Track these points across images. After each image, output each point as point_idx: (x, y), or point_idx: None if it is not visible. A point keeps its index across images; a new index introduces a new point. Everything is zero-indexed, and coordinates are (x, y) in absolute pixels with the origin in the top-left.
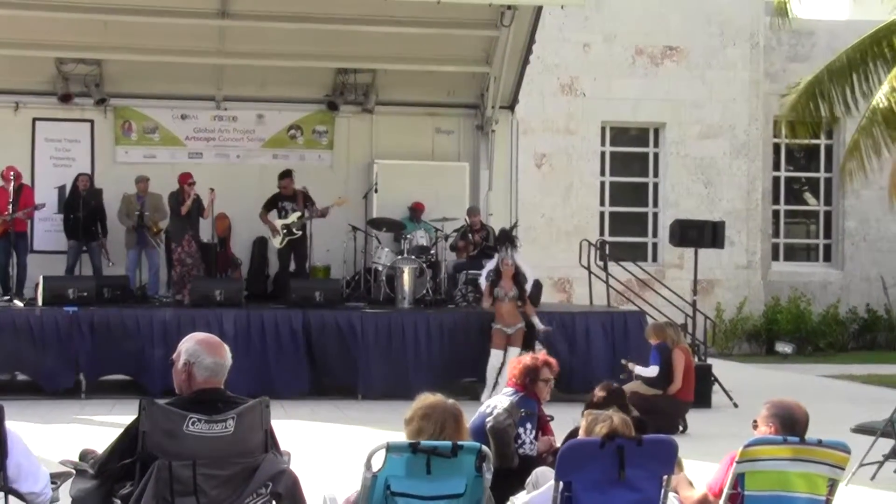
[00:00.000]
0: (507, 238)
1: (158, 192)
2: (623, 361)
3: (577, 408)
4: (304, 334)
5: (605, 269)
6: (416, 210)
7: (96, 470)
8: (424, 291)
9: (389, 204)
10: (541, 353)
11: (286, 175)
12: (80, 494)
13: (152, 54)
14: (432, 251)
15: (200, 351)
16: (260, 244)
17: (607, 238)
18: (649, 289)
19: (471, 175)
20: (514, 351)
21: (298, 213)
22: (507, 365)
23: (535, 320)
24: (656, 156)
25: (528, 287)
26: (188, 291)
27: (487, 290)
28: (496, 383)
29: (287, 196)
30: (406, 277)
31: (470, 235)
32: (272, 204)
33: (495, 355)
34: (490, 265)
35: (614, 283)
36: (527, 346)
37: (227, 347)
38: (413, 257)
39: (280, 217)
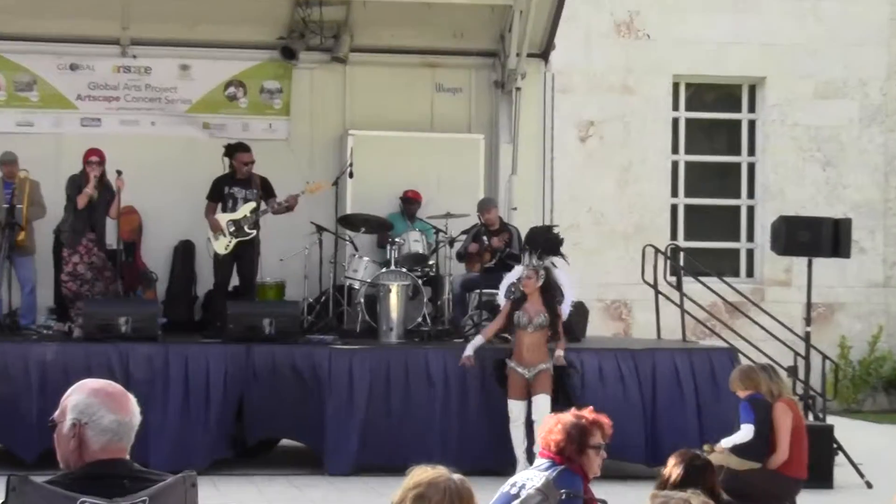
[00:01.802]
0: (545, 244)
1: (37, 179)
2: (706, 448)
3: (640, 488)
4: (247, 381)
5: (678, 287)
6: (408, 203)
7: None
8: (420, 319)
9: (370, 194)
10: (587, 409)
11: (241, 149)
12: None
13: None
14: (431, 261)
15: (96, 405)
16: (184, 252)
17: (682, 243)
18: (742, 316)
19: (487, 153)
20: (542, 401)
21: (252, 205)
22: (537, 424)
23: (559, 352)
24: (752, 125)
25: (565, 311)
26: (79, 319)
27: (505, 311)
28: (529, 453)
29: (238, 180)
30: (394, 299)
31: (485, 239)
32: (218, 190)
33: (514, 408)
34: (512, 276)
35: (692, 307)
36: (558, 394)
37: (134, 400)
38: (404, 270)
39: (226, 209)
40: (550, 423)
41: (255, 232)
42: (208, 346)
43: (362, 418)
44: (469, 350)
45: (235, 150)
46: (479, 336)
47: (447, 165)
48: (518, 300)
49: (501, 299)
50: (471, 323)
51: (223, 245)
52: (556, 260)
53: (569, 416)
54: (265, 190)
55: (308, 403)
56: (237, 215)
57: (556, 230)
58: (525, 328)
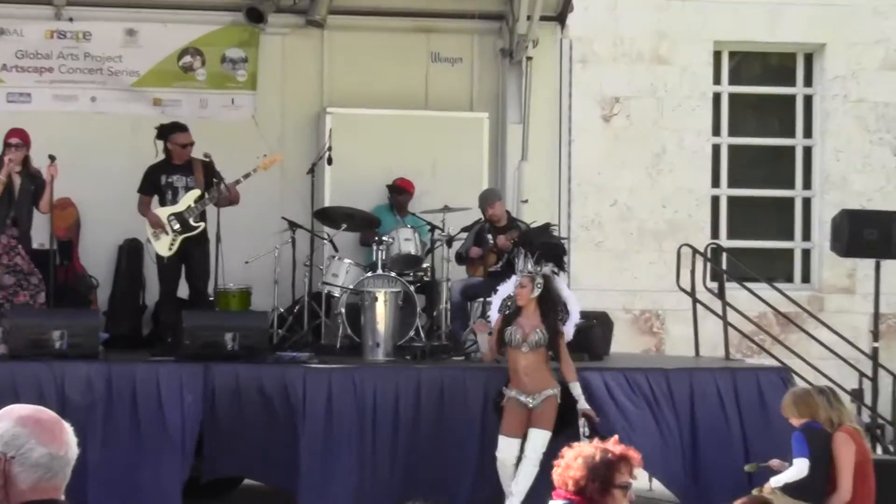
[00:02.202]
0: (544, 246)
1: None
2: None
3: None
4: (205, 407)
5: (720, 295)
6: (398, 194)
7: None
8: (412, 333)
9: (353, 183)
10: (612, 440)
11: (176, 128)
12: None
13: None
14: (426, 264)
15: (25, 436)
16: (130, 252)
17: (724, 242)
18: (797, 329)
19: (492, 135)
20: (537, 438)
21: (196, 193)
22: (527, 461)
23: (575, 390)
24: (808, 101)
25: (569, 330)
26: (3, 332)
27: (496, 328)
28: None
29: (176, 166)
30: (381, 309)
31: (489, 238)
32: (152, 181)
33: (505, 447)
34: (507, 287)
35: (737, 318)
36: (563, 425)
37: (70, 429)
38: (393, 275)
39: (165, 203)
40: (569, 458)
41: (202, 225)
42: (159, 366)
43: (344, 453)
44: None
45: (170, 131)
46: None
47: (445, 150)
48: (511, 315)
49: (493, 313)
50: (472, 337)
51: (166, 245)
52: (560, 274)
53: (590, 449)
54: (210, 175)
55: (278, 435)
56: (179, 207)
57: (554, 229)
58: (519, 347)
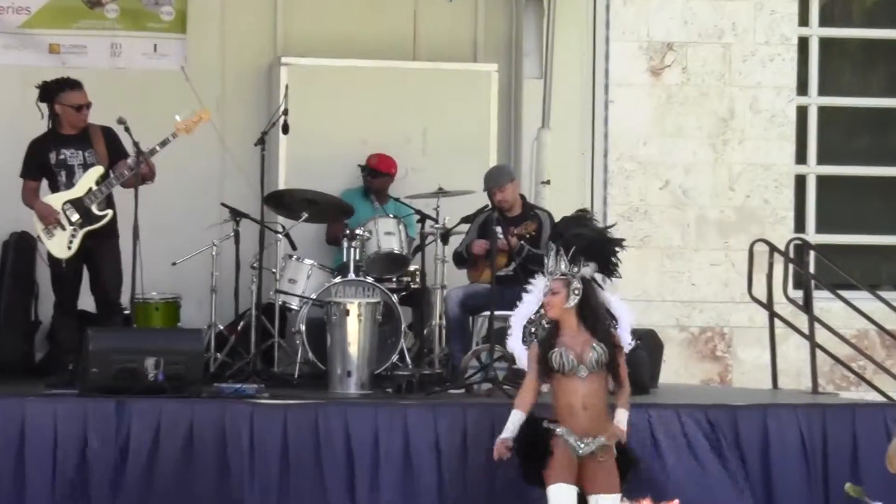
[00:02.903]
0: (584, 240)
1: None
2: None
3: None
4: (118, 455)
5: (807, 307)
6: (375, 174)
7: None
8: (395, 358)
9: (315, 159)
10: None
11: (66, 86)
12: None
13: None
14: (414, 266)
15: None
16: (19, 250)
17: (813, 237)
18: None
19: (503, 94)
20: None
21: (99, 171)
22: None
23: (620, 418)
24: None
25: (625, 335)
26: None
27: (534, 357)
28: None
29: (68, 137)
30: (354, 327)
31: (498, 231)
32: (37, 160)
33: (558, 497)
34: (526, 310)
35: (829, 339)
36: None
37: None
38: (370, 280)
39: (58, 187)
40: None
41: (109, 213)
42: (57, 401)
43: None
44: (508, 432)
45: (57, 90)
46: (517, 411)
47: (439, 114)
48: (547, 337)
49: (517, 352)
50: (477, 364)
51: (62, 243)
52: (610, 280)
53: None
54: (111, 147)
55: (218, 491)
56: (77, 192)
57: (595, 220)
58: (575, 373)
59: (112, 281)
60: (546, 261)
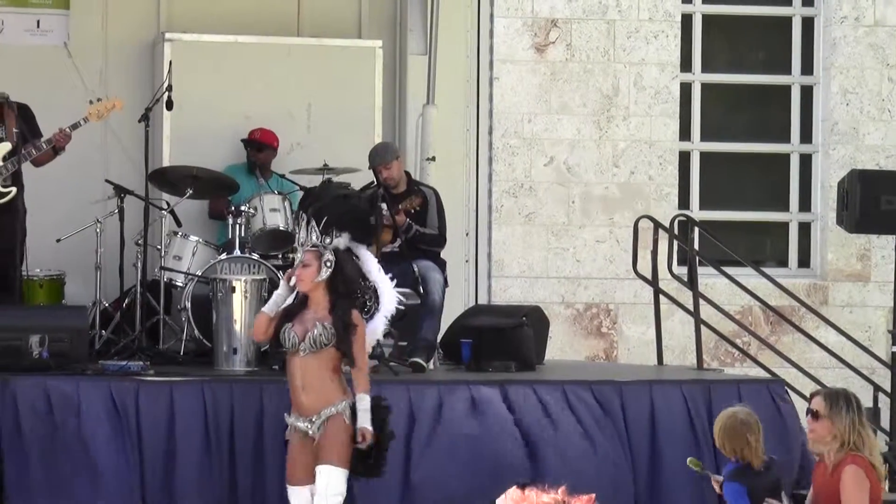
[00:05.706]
0: (333, 209)
1: None
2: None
3: None
4: (3, 435)
5: (691, 283)
6: (258, 149)
7: None
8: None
9: (200, 135)
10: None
11: None
12: None
13: None
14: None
15: None
16: None
17: (697, 213)
18: (793, 329)
19: (388, 70)
20: (327, 478)
21: (6, 146)
22: None
23: (362, 403)
24: (807, 24)
25: (379, 326)
26: None
27: (270, 322)
28: None
29: None
30: (239, 304)
31: (384, 208)
32: None
33: (290, 499)
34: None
35: (714, 315)
36: (365, 461)
37: None
38: (256, 257)
39: None
40: None
41: (13, 190)
42: None
43: (191, 492)
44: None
45: None
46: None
47: (324, 90)
48: (294, 307)
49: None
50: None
51: None
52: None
53: (542, 497)
54: (26, 123)
55: (105, 466)
56: None
57: (344, 185)
58: (295, 351)
59: (10, 256)
60: (297, 229)
